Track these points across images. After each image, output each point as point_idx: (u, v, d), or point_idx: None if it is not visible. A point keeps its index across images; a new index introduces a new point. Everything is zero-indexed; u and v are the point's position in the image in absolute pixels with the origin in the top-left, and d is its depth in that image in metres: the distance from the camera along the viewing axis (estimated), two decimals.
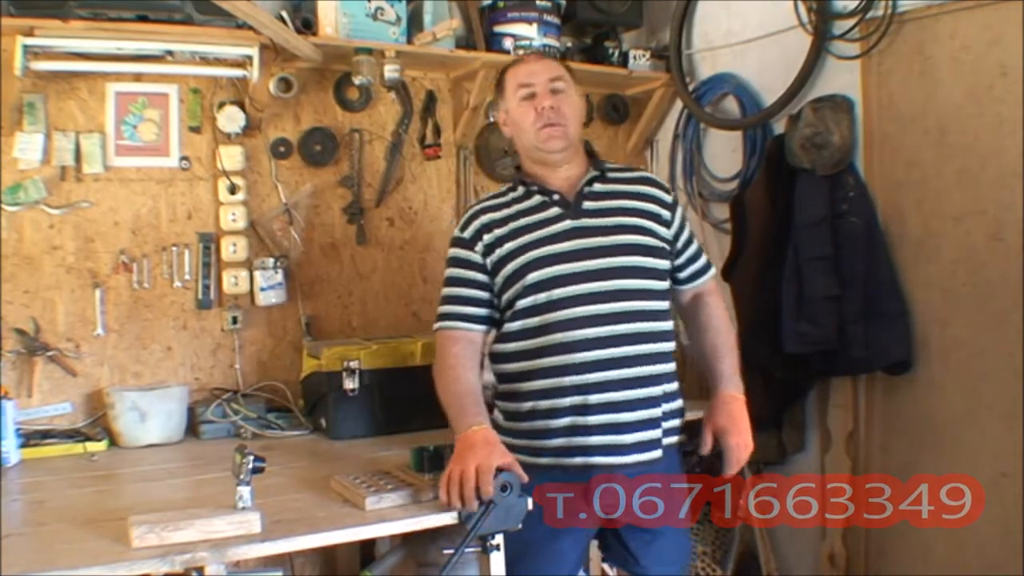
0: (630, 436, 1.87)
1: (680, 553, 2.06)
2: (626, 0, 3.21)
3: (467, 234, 1.98)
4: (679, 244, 2.02)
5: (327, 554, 2.65)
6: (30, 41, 2.33)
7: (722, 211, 3.09)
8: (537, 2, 2.97)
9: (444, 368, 1.92)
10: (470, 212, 2.02)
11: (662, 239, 1.96)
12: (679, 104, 3.26)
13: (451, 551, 1.65)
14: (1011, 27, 2.26)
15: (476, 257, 1.95)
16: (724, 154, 3.12)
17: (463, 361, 1.91)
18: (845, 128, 2.61)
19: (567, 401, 1.87)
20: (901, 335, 2.53)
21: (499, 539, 1.73)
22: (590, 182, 1.97)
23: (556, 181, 1.98)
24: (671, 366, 1.98)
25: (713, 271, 2.11)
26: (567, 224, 1.92)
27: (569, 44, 3.18)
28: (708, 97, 3.12)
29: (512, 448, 1.85)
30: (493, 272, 1.94)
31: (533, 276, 1.89)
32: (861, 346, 2.52)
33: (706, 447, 1.98)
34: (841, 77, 2.68)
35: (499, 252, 1.93)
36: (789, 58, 2.79)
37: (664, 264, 1.97)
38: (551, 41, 3.01)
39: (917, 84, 2.50)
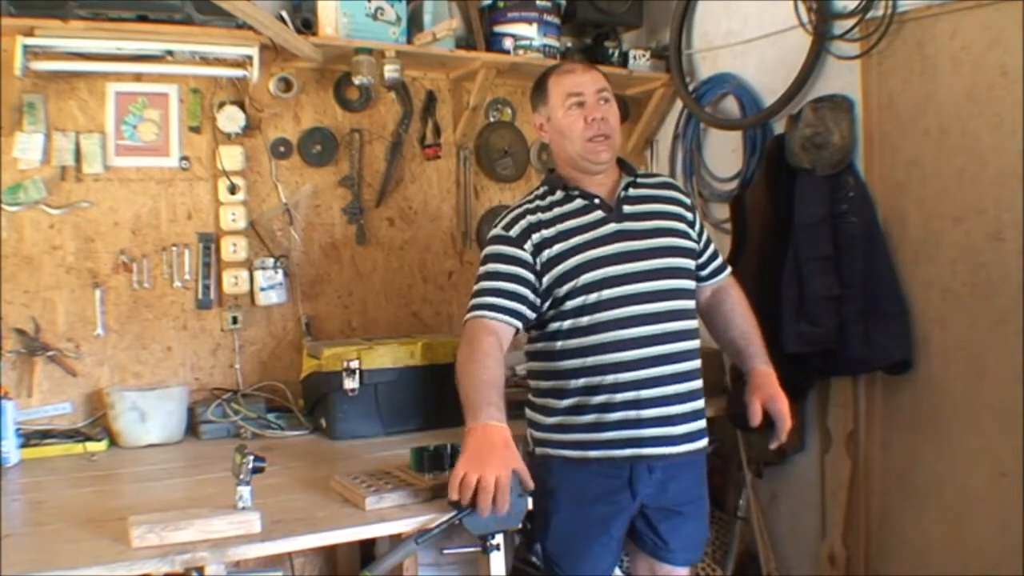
0: (680, 427, 1.96)
1: (701, 539, 2.16)
2: (626, 0, 3.21)
3: (514, 232, 1.97)
4: (701, 243, 2.12)
5: (327, 554, 2.64)
6: (30, 41, 2.33)
7: (722, 211, 3.09)
8: (537, 2, 2.97)
9: (476, 354, 1.84)
10: (514, 213, 2.01)
11: (692, 240, 2.07)
12: (679, 104, 3.26)
13: (452, 551, 1.65)
14: (1011, 27, 2.26)
15: (525, 255, 1.94)
16: (724, 154, 3.11)
17: (495, 353, 1.86)
18: (845, 128, 2.61)
19: (620, 397, 1.92)
20: (901, 335, 2.52)
21: (499, 539, 1.73)
22: (626, 187, 2.04)
23: (594, 186, 2.03)
24: (700, 363, 2.06)
25: (729, 268, 2.22)
26: (612, 227, 1.98)
27: (569, 44, 3.18)
28: (708, 97, 3.12)
29: (550, 443, 1.97)
30: (542, 272, 1.94)
31: (585, 278, 1.92)
32: (861, 346, 2.52)
33: (757, 417, 2.07)
34: (841, 77, 2.68)
35: (548, 253, 1.94)
36: (789, 58, 2.79)
37: (692, 264, 2.07)
38: (551, 41, 3.01)
39: (917, 84, 2.50)
